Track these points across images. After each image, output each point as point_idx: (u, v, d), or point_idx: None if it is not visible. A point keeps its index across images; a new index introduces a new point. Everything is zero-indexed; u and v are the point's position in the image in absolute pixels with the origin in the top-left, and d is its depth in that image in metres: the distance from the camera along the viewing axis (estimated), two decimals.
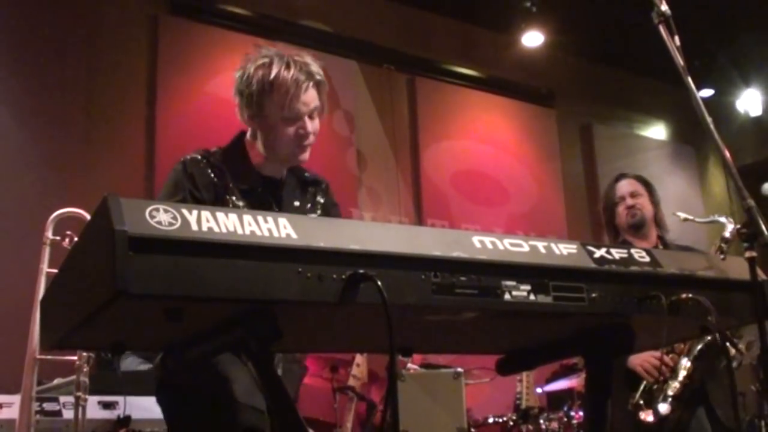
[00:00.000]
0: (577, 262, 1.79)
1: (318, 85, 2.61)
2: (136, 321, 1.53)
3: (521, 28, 8.11)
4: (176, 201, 2.36)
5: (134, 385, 3.31)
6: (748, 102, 9.59)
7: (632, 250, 1.92)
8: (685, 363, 3.82)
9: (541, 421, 5.26)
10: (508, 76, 8.47)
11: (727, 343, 3.59)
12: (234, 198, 2.59)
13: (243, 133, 2.78)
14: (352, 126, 7.26)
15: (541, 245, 1.78)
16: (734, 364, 4.07)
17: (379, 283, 1.48)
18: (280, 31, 6.99)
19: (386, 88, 7.55)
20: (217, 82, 6.50)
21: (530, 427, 5.20)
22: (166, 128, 6.17)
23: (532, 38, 8.25)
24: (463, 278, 1.62)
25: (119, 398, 3.17)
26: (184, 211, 1.42)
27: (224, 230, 1.43)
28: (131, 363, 3.97)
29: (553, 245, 1.80)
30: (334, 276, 1.50)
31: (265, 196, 2.65)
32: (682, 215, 3.80)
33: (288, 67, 2.55)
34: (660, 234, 4.15)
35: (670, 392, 3.78)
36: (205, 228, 1.42)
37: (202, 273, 1.39)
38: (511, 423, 5.24)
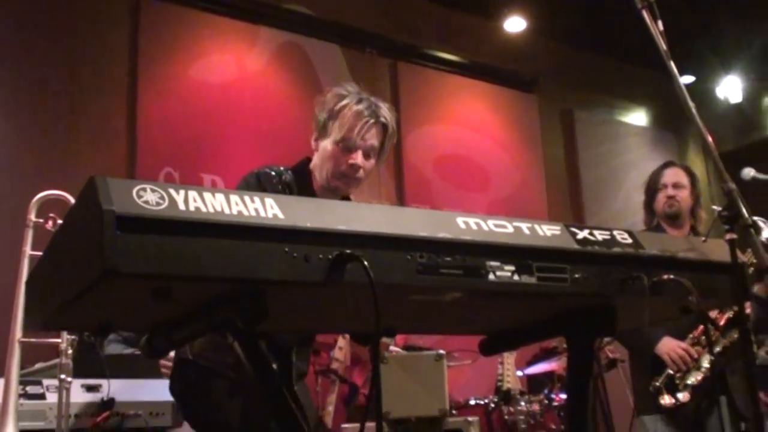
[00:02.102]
0: (561, 244, 1.81)
1: (382, 127, 2.78)
2: (123, 301, 1.53)
3: (503, 13, 8.13)
4: None
5: (117, 369, 3.31)
6: (729, 89, 9.65)
7: (615, 232, 1.94)
8: (709, 357, 3.98)
9: (523, 404, 5.29)
10: (490, 62, 8.48)
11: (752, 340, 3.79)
12: None
13: (308, 159, 2.90)
14: None
15: (524, 226, 1.80)
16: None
17: (366, 262, 1.50)
18: (263, 15, 6.98)
19: (369, 72, 7.54)
20: (200, 66, 6.49)
21: (511, 408, 5.23)
22: (148, 112, 6.14)
23: (515, 24, 8.28)
24: (447, 258, 1.64)
25: (103, 381, 3.17)
26: (171, 191, 1.42)
27: (211, 210, 1.44)
28: (114, 349, 3.97)
29: (536, 226, 1.82)
30: (321, 256, 1.50)
31: None
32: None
33: (359, 102, 2.75)
34: (693, 224, 4.22)
35: (690, 382, 3.93)
36: (192, 207, 1.42)
37: (190, 252, 1.39)
38: (493, 405, 5.27)
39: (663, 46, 2.35)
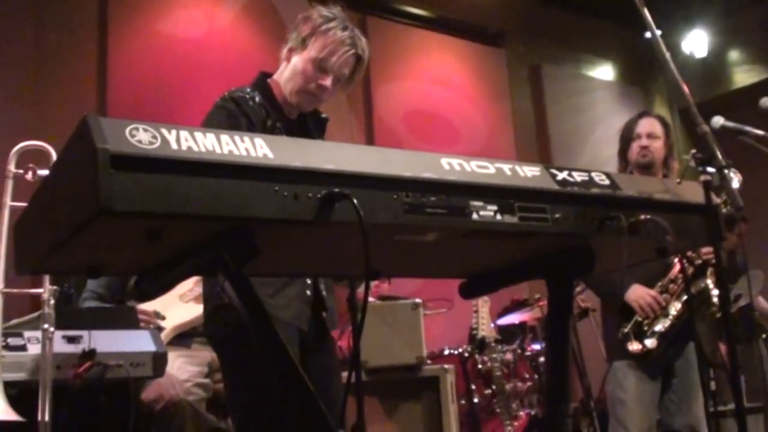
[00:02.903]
0: (541, 184, 1.85)
1: (357, 58, 2.85)
2: (114, 242, 1.55)
3: None
4: None
5: (96, 321, 3.32)
6: (694, 43, 9.70)
7: (593, 173, 1.98)
8: (677, 305, 4.08)
9: (497, 353, 5.37)
10: (459, 17, 8.48)
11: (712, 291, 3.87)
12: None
13: (264, 75, 2.92)
14: None
15: (506, 167, 1.83)
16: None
17: (355, 200, 1.53)
18: None
19: None
20: (168, 20, 6.44)
21: (485, 357, 5.31)
22: (117, 66, 6.10)
23: None
24: (433, 198, 1.67)
25: (83, 332, 3.17)
26: (164, 130, 1.44)
27: (203, 149, 1.46)
28: (90, 306, 3.96)
29: (517, 168, 1.86)
30: (310, 195, 1.53)
31: (300, 134, 2.83)
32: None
33: (344, 29, 2.82)
34: (666, 174, 4.28)
35: (658, 329, 4.04)
36: (184, 147, 1.44)
37: (182, 191, 1.41)
38: (467, 354, 5.34)
39: None
